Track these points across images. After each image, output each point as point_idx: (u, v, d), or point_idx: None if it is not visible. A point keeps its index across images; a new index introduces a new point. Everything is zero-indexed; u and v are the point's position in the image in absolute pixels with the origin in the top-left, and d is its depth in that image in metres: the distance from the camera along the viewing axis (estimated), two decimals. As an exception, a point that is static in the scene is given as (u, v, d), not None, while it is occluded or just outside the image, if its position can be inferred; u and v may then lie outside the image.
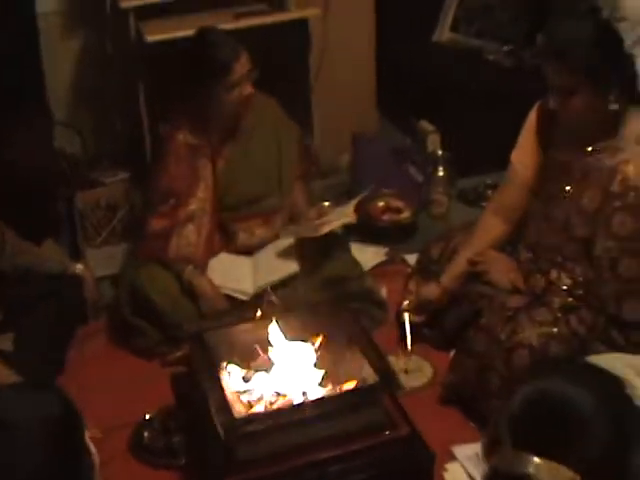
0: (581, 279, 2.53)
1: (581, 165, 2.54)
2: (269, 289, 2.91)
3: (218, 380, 2.38)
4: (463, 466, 2.47)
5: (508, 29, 4.10)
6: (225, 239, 3.12)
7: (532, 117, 2.73)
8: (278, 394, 2.40)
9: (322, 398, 2.37)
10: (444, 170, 3.68)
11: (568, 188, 2.57)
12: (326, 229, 2.94)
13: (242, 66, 2.91)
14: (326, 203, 3.50)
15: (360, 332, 2.58)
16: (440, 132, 3.77)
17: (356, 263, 3.10)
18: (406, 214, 3.46)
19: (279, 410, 2.34)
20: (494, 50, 4.02)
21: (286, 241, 3.12)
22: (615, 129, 2.46)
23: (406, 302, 2.92)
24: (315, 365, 2.45)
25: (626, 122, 2.46)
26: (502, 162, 3.89)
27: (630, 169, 2.40)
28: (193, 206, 3.02)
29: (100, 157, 3.87)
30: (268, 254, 3.11)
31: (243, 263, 3.11)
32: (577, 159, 2.55)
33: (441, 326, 2.90)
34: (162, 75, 3.64)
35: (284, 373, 2.44)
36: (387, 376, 2.36)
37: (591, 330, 2.49)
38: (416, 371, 2.81)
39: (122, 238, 3.42)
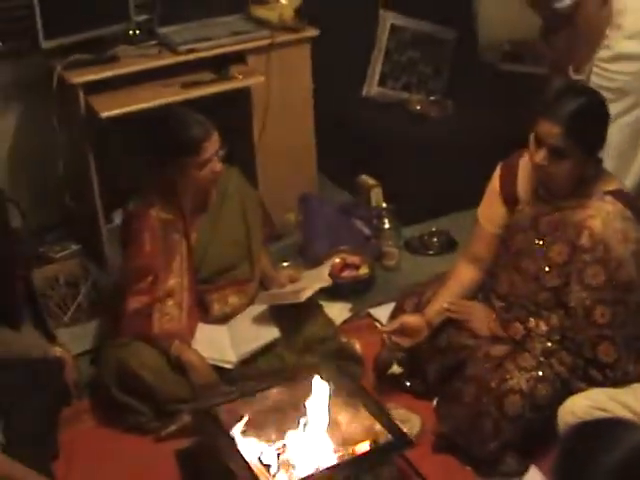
0: (557, 325, 2.87)
1: (548, 220, 2.88)
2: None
3: (239, 453, 2.60)
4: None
5: (432, 81, 4.48)
6: (201, 310, 3.31)
7: (495, 177, 3.07)
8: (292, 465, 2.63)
9: (338, 465, 2.59)
10: (390, 222, 3.99)
11: (537, 242, 2.91)
12: (306, 295, 3.18)
13: (213, 144, 3.12)
14: (285, 264, 3.78)
15: (361, 391, 2.84)
16: (381, 185, 4.09)
17: (331, 322, 3.36)
18: (364, 269, 3.74)
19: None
20: (420, 101, 4.39)
21: (259, 307, 3.34)
22: (584, 189, 2.82)
23: (387, 326, 3.18)
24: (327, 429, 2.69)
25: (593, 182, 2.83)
26: (443, 209, 4.29)
27: (597, 224, 2.75)
28: (171, 281, 3.19)
29: (39, 231, 3.99)
30: (244, 322, 3.32)
31: (220, 333, 3.30)
32: (544, 214, 2.90)
33: (423, 376, 3.17)
34: (114, 149, 3.84)
35: (298, 442, 2.67)
36: (400, 434, 2.63)
37: (572, 371, 2.82)
38: (405, 422, 3.06)
39: (90, 315, 3.54)
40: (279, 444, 2.69)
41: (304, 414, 2.71)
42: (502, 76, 4.59)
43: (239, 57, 3.82)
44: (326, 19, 3.96)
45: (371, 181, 4.13)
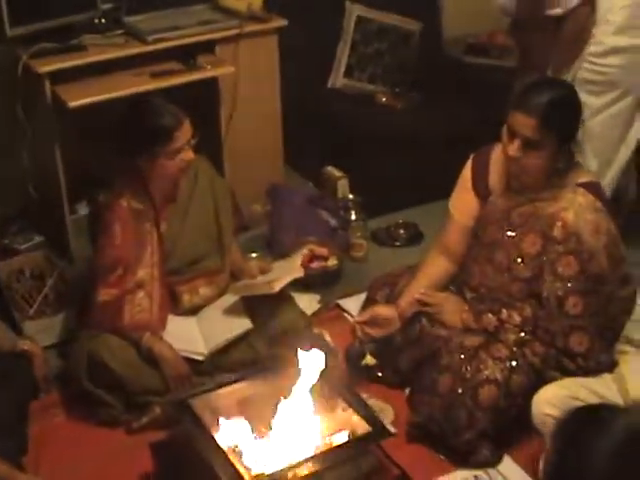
0: (530, 316, 2.93)
1: (520, 212, 2.93)
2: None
3: (216, 444, 2.60)
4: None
5: (397, 73, 4.51)
6: (170, 302, 3.31)
7: (467, 169, 3.11)
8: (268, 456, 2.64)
9: (316, 456, 2.59)
10: (356, 213, 4.02)
11: (509, 234, 2.96)
12: (280, 285, 3.19)
13: (184, 133, 3.11)
14: (253, 254, 3.79)
15: (337, 382, 2.86)
16: (347, 176, 4.12)
17: (303, 313, 3.38)
18: (332, 260, 3.76)
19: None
20: (386, 93, 4.43)
21: (229, 298, 3.34)
22: (556, 181, 2.87)
23: (359, 316, 3.22)
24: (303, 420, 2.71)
25: (566, 173, 2.88)
26: (409, 201, 4.32)
27: (569, 216, 2.81)
28: (141, 272, 3.16)
29: (1, 222, 3.95)
30: (215, 313, 3.32)
31: (189, 324, 3.30)
32: (516, 206, 2.95)
33: (395, 367, 3.21)
34: (82, 139, 3.81)
35: (274, 433, 2.68)
36: (378, 425, 2.66)
37: (544, 361, 2.87)
38: (378, 412, 3.10)
39: (57, 308, 3.51)
40: (255, 435, 2.71)
41: (280, 405, 2.73)
42: (466, 69, 4.65)
43: (206, 47, 3.81)
44: (293, 10, 3.97)
45: (337, 173, 4.15)
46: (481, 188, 3.06)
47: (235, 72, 3.82)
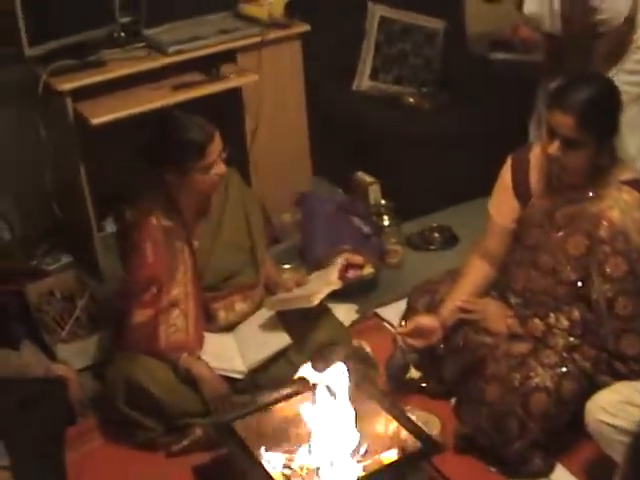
0: (578, 319, 2.85)
1: (564, 213, 2.86)
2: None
3: (262, 467, 2.54)
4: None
5: (423, 73, 4.44)
6: (206, 319, 3.25)
7: (506, 171, 3.03)
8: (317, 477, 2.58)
9: (366, 476, 2.53)
10: (389, 219, 3.95)
11: (554, 235, 2.88)
12: (318, 298, 3.12)
13: (216, 147, 3.05)
14: (287, 266, 3.72)
15: (381, 396, 2.80)
16: (379, 180, 4.05)
17: (342, 326, 3.32)
18: (369, 269, 3.69)
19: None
20: (413, 94, 4.36)
21: (265, 313, 3.28)
22: (599, 179, 2.79)
23: (401, 327, 3.14)
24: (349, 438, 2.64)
25: (608, 171, 2.80)
26: (441, 203, 4.25)
27: (615, 215, 2.73)
28: (175, 291, 3.11)
29: (27, 243, 3.91)
30: (251, 329, 3.26)
31: (227, 341, 3.24)
32: (559, 207, 2.87)
33: (439, 377, 3.14)
34: (106, 156, 3.75)
35: (320, 453, 2.61)
36: (429, 439, 2.59)
37: (595, 365, 2.80)
38: (424, 424, 3.03)
39: (90, 329, 3.46)
40: (301, 456, 2.64)
41: (325, 424, 2.66)
42: (492, 65, 4.57)
43: (228, 56, 3.76)
44: (314, 14, 3.91)
45: (368, 178, 4.08)
46: (522, 190, 2.98)
47: (258, 80, 3.76)
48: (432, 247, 4.02)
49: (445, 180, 4.12)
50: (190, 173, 3.04)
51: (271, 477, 2.51)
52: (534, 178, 2.97)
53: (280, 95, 3.91)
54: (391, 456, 2.61)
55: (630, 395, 2.68)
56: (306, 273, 3.53)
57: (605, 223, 2.75)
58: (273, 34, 3.79)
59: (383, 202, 4.03)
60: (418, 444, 2.57)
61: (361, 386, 2.80)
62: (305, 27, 3.86)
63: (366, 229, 3.95)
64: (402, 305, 3.51)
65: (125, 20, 3.73)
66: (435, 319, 3.05)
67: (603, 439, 2.64)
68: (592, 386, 2.77)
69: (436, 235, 4.04)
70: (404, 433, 2.62)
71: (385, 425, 2.69)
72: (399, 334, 3.11)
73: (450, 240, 4.04)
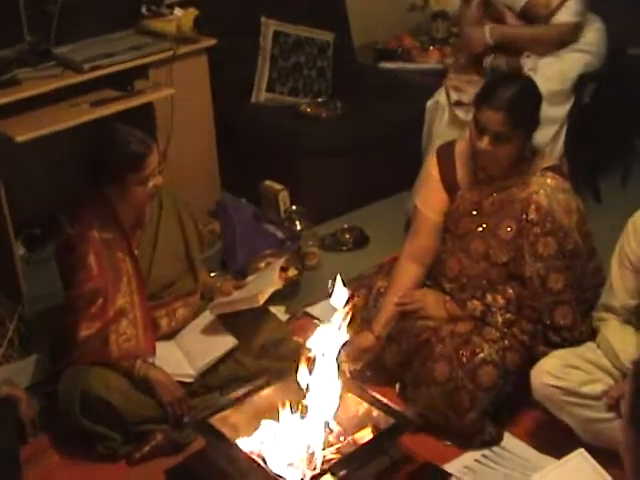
0: (513, 297, 3.13)
1: (492, 201, 3.14)
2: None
3: (249, 458, 2.66)
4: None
5: (317, 84, 4.67)
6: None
7: (432, 166, 3.28)
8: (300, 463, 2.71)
9: (345, 457, 2.65)
10: (302, 223, 4.15)
11: (483, 224, 3.16)
12: (264, 298, 3.28)
13: (154, 159, 3.15)
14: (212, 274, 3.85)
15: (347, 380, 2.97)
16: (287, 188, 4.24)
17: (283, 324, 3.49)
18: (292, 271, 3.87)
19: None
20: (309, 104, 4.58)
21: (205, 318, 3.40)
22: (524, 168, 3.09)
23: (342, 355, 3.33)
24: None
25: (531, 160, 3.11)
26: (349, 205, 4.49)
27: (542, 198, 3.03)
28: (121, 301, 3.18)
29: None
30: (194, 334, 3.37)
31: (170, 348, 3.34)
32: (487, 196, 3.15)
33: (380, 366, 3.34)
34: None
35: (299, 439, 2.76)
36: (402, 416, 2.78)
37: (533, 337, 3.09)
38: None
39: (24, 350, 3.46)
40: (281, 444, 2.78)
41: (297, 412, 2.82)
42: (380, 74, 4.88)
43: (140, 72, 3.85)
44: (217, 29, 4.06)
45: (277, 185, 4.26)
46: (450, 183, 3.24)
47: (170, 96, 3.87)
48: (344, 248, 4.24)
49: (350, 183, 4.37)
50: (129, 185, 3.14)
51: (256, 462, 2.63)
52: (460, 171, 3.23)
53: (190, 110, 4.03)
54: (366, 435, 2.79)
55: (571, 359, 2.97)
56: (231, 279, 3.67)
57: (534, 207, 3.05)
58: (183, 49, 3.92)
59: (294, 207, 4.22)
60: (391, 420, 2.76)
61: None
62: (212, 41, 4.00)
63: (280, 235, 4.13)
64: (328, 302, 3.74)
65: (33, 39, 3.76)
66: (370, 336, 3.25)
67: (551, 402, 2.92)
68: (531, 357, 3.06)
69: (348, 236, 4.26)
70: (375, 412, 2.80)
71: (355, 406, 2.86)
72: (343, 363, 3.27)
73: (361, 240, 4.27)
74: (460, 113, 4.03)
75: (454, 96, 4.07)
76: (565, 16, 4.02)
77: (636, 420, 1.73)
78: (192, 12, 3.90)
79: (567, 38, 4.05)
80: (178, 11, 3.94)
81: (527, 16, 4.06)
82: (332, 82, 4.73)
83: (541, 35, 4.04)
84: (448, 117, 4.10)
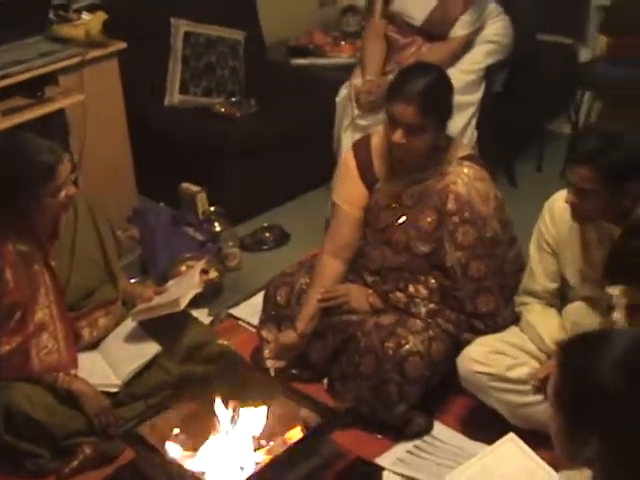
0: (435, 287, 3.16)
1: (411, 192, 3.15)
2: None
3: (178, 466, 2.65)
4: (394, 472, 2.97)
5: (231, 83, 4.65)
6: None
7: (349, 160, 3.28)
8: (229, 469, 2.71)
9: (276, 458, 2.67)
10: (220, 224, 4.12)
11: (402, 216, 3.17)
12: (185, 302, 3.24)
13: (65, 168, 3.08)
14: (133, 280, 3.80)
15: (269, 382, 2.97)
16: (204, 189, 4.21)
17: (207, 327, 3.46)
18: (213, 273, 3.84)
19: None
20: (223, 103, 4.55)
21: (127, 326, 3.35)
22: (440, 158, 3.11)
23: (267, 351, 3.33)
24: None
25: (446, 150, 3.13)
26: (268, 203, 4.49)
27: (460, 188, 3.05)
28: (40, 314, 3.10)
29: None
30: (117, 342, 3.31)
31: (94, 358, 3.28)
32: (405, 188, 3.17)
33: (305, 363, 3.33)
34: None
35: (227, 445, 2.75)
36: (330, 413, 2.79)
37: (457, 326, 3.12)
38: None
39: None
40: (210, 451, 2.76)
41: (224, 417, 2.80)
42: (292, 70, 4.89)
43: (50, 78, 3.78)
44: (127, 32, 4.01)
45: (194, 188, 4.22)
46: (368, 176, 3.24)
47: (81, 101, 3.81)
48: (265, 247, 4.23)
49: (268, 181, 4.36)
50: (41, 196, 3.06)
51: (184, 469, 2.62)
52: (377, 165, 3.24)
53: (103, 115, 3.98)
54: (295, 435, 2.79)
55: (496, 345, 3.01)
56: (152, 285, 3.63)
57: (452, 196, 3.07)
58: (92, 53, 3.86)
59: (212, 209, 4.19)
60: (319, 418, 2.77)
61: (248, 376, 2.97)
62: (122, 45, 3.95)
63: (200, 237, 4.10)
64: (254, 302, 3.74)
65: None
66: (293, 334, 3.25)
67: (479, 388, 2.96)
68: (457, 345, 3.09)
69: (268, 235, 4.25)
70: (303, 410, 2.81)
71: (283, 407, 2.87)
72: (267, 359, 3.28)
73: (281, 238, 4.27)
74: (362, 122, 4.05)
75: (356, 111, 4.08)
76: (461, 30, 4.10)
77: (564, 406, 1.75)
78: (100, 16, 3.84)
79: (464, 49, 4.14)
80: (86, 15, 3.89)
81: (426, 31, 4.11)
82: (245, 81, 4.72)
83: (446, 58, 4.07)
84: (352, 125, 4.12)
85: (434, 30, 4.11)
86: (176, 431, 2.83)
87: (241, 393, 2.90)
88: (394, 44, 4.16)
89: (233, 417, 2.80)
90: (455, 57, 4.10)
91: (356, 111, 4.07)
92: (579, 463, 1.77)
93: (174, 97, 4.50)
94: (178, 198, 4.25)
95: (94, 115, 3.93)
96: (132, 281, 3.80)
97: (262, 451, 2.78)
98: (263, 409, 2.83)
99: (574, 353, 1.78)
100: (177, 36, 4.44)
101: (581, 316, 2.85)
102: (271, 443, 2.79)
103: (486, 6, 4.18)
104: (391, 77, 3.80)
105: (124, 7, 4.20)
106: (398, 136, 3.02)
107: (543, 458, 2.59)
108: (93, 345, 3.32)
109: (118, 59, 3.98)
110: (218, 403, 2.83)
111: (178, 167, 4.32)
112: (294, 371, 3.36)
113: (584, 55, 4.98)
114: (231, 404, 2.84)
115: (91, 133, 3.95)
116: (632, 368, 1.69)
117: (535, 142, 4.96)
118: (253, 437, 2.79)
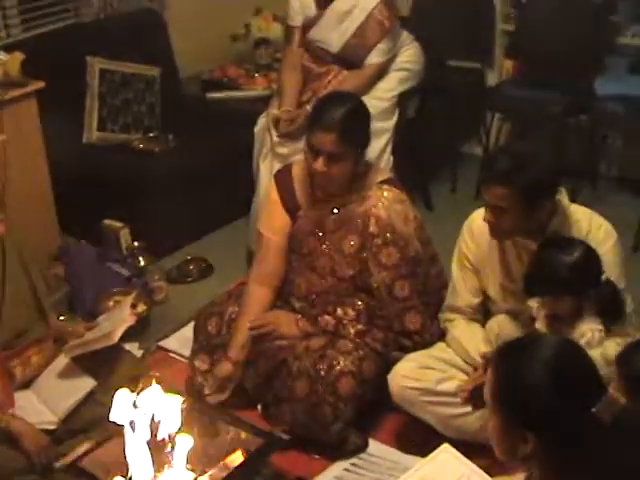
0: (362, 308, 3.27)
1: (333, 218, 3.27)
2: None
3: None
4: (332, 492, 3.06)
5: (148, 119, 4.71)
6: (6, 378, 3.28)
7: (272, 190, 3.38)
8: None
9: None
10: (145, 259, 4.17)
11: (326, 242, 3.28)
12: (118, 335, 3.29)
13: None
14: (61, 317, 3.83)
15: (206, 409, 3.03)
16: (127, 225, 4.25)
17: (139, 360, 3.50)
18: (142, 306, 3.88)
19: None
20: (141, 139, 4.62)
21: (60, 362, 3.38)
22: (360, 184, 3.23)
23: (206, 389, 3.37)
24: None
25: (366, 175, 3.26)
26: (189, 236, 4.56)
27: (381, 211, 3.18)
28: (-29, 355, 3.14)
29: None
30: (51, 380, 3.33)
31: (27, 397, 3.29)
32: (328, 214, 3.28)
33: (239, 390, 3.38)
34: None
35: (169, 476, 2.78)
36: (269, 436, 2.86)
37: (385, 345, 3.23)
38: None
39: None
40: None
41: (164, 447, 2.85)
42: (207, 104, 4.99)
43: (-34, 121, 3.80)
44: (43, 71, 4.04)
45: (116, 224, 4.26)
46: (290, 204, 3.34)
47: (1, 142, 3.83)
48: (190, 279, 4.30)
49: (188, 215, 4.42)
50: None
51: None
52: (299, 192, 3.34)
53: (23, 155, 3.98)
54: (237, 458, 2.85)
55: (424, 360, 3.13)
56: (81, 321, 3.66)
57: (373, 220, 3.19)
58: (11, 93, 3.87)
59: (135, 244, 4.23)
60: (259, 441, 2.84)
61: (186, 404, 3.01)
62: (40, 84, 3.97)
63: (125, 272, 4.14)
64: (184, 333, 3.80)
65: None
66: (228, 364, 3.31)
67: (410, 403, 3.07)
68: (387, 363, 3.19)
69: (192, 267, 4.32)
70: (243, 434, 2.88)
71: (222, 432, 2.93)
72: (207, 396, 3.33)
73: (205, 269, 4.34)
74: (282, 150, 4.17)
75: (275, 138, 4.20)
76: (376, 57, 4.26)
77: (500, 407, 1.86)
78: (18, 56, 3.86)
79: (379, 77, 4.31)
80: (3, 56, 3.90)
81: (342, 58, 4.27)
82: (162, 116, 4.78)
83: (361, 86, 4.21)
84: (271, 154, 4.23)
85: (350, 57, 4.25)
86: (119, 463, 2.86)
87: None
88: (310, 73, 4.29)
89: (173, 446, 2.84)
90: (370, 85, 4.24)
91: (275, 138, 4.18)
92: (518, 461, 1.88)
93: (92, 134, 4.53)
94: (101, 235, 4.29)
95: (15, 155, 3.93)
96: (61, 318, 3.83)
97: (205, 477, 2.83)
98: (202, 436, 2.88)
99: (508, 356, 1.91)
100: (93, 74, 4.47)
101: (505, 328, 2.99)
102: (213, 470, 2.84)
103: (400, 35, 4.35)
104: (309, 107, 3.95)
105: (40, 46, 4.24)
106: (319, 164, 3.13)
107: (479, 466, 2.70)
108: (26, 384, 3.35)
109: (37, 98, 4.01)
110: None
111: (100, 204, 4.34)
112: (223, 397, 3.40)
113: (491, 79, 5.19)
114: (170, 433, 2.89)
115: (12, 173, 3.95)
116: (560, 368, 1.83)
117: (449, 164, 5.14)
118: (194, 464, 2.84)
